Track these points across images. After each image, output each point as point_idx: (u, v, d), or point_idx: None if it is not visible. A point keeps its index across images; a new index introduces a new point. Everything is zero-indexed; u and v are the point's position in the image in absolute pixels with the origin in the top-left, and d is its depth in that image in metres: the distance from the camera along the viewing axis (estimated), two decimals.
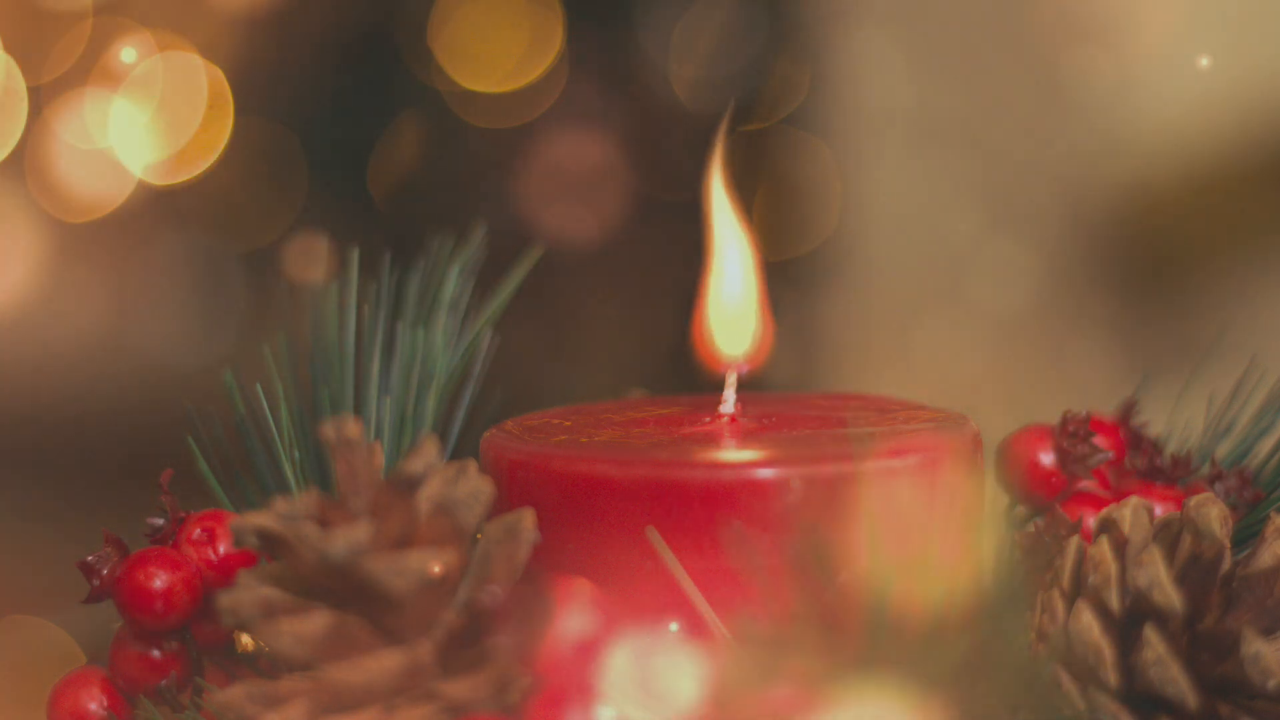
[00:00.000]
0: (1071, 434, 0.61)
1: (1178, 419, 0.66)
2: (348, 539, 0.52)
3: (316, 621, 0.52)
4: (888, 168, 1.51)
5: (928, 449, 0.57)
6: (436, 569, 0.52)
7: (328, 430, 0.54)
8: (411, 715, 0.52)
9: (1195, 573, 0.55)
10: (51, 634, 1.22)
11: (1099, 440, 0.62)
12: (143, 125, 1.40)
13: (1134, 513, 0.56)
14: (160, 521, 0.60)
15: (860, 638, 0.49)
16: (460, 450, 0.65)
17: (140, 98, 1.40)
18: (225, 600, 0.53)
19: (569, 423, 0.61)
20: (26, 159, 1.40)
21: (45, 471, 1.42)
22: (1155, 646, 0.53)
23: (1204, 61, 1.40)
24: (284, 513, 0.53)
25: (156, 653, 0.59)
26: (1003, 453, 0.63)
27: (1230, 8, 1.45)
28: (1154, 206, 1.47)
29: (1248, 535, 0.61)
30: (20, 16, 1.40)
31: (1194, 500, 0.56)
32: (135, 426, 1.36)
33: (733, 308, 0.63)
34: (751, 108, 1.46)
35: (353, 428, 0.54)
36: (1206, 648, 0.54)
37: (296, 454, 0.63)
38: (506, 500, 0.57)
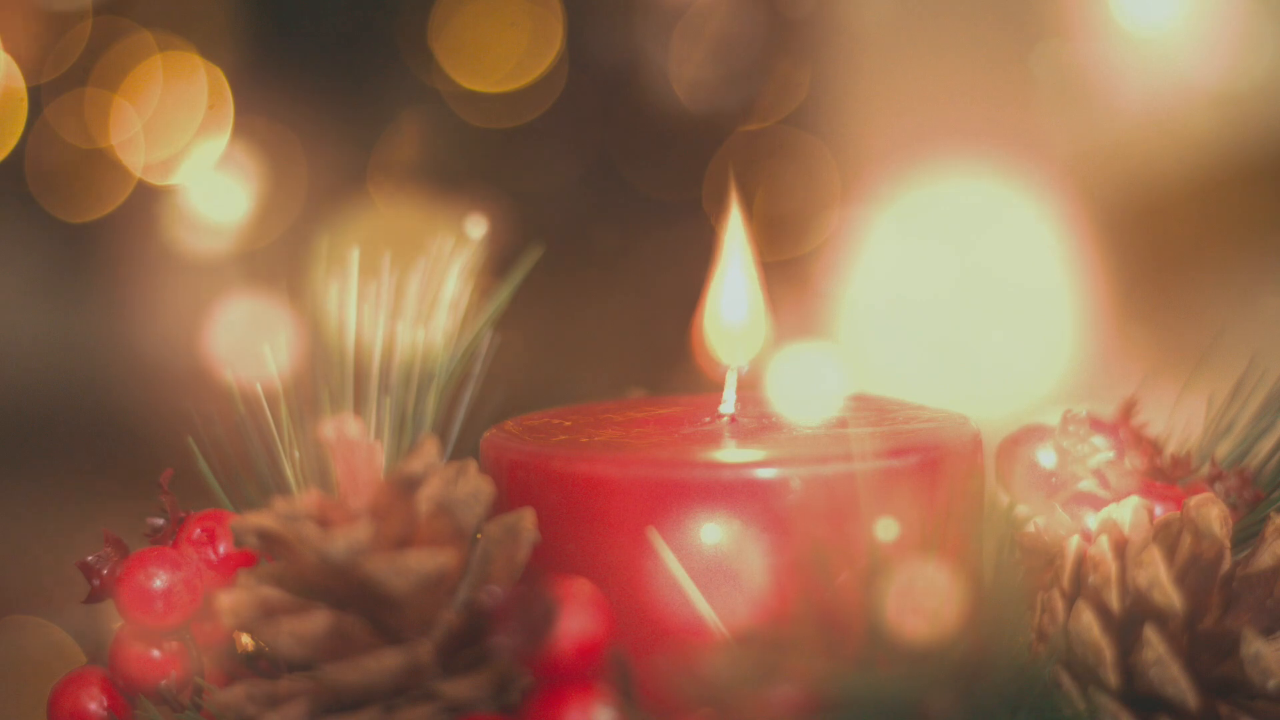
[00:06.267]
0: (1071, 434, 0.61)
1: (1178, 419, 0.66)
2: (348, 539, 0.52)
3: (316, 621, 0.52)
4: (888, 168, 1.51)
5: (928, 449, 0.57)
6: (430, 570, 0.52)
7: (328, 430, 0.54)
8: (411, 715, 0.52)
9: (1195, 573, 0.55)
10: (51, 634, 1.22)
11: (1099, 440, 0.62)
12: (143, 125, 1.40)
13: (1134, 513, 0.56)
14: (160, 521, 0.60)
15: (860, 638, 0.49)
16: (460, 450, 0.66)
17: (140, 98, 1.40)
18: (225, 600, 0.53)
19: (569, 423, 0.61)
20: (26, 159, 1.40)
21: (45, 471, 1.42)
22: (1155, 646, 0.53)
23: (1208, 56, 1.40)
24: (284, 513, 0.53)
25: (156, 653, 0.59)
26: (1003, 453, 0.63)
27: (1232, 9, 1.45)
28: (1154, 207, 1.47)
29: (1248, 535, 0.61)
30: (20, 16, 1.40)
31: (1194, 500, 0.56)
32: (135, 426, 1.36)
33: (737, 317, 0.63)
34: (751, 108, 1.46)
35: (353, 428, 0.54)
36: (1206, 648, 0.54)
37: (296, 454, 0.63)
38: (506, 500, 0.57)
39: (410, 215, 1.42)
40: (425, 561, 0.52)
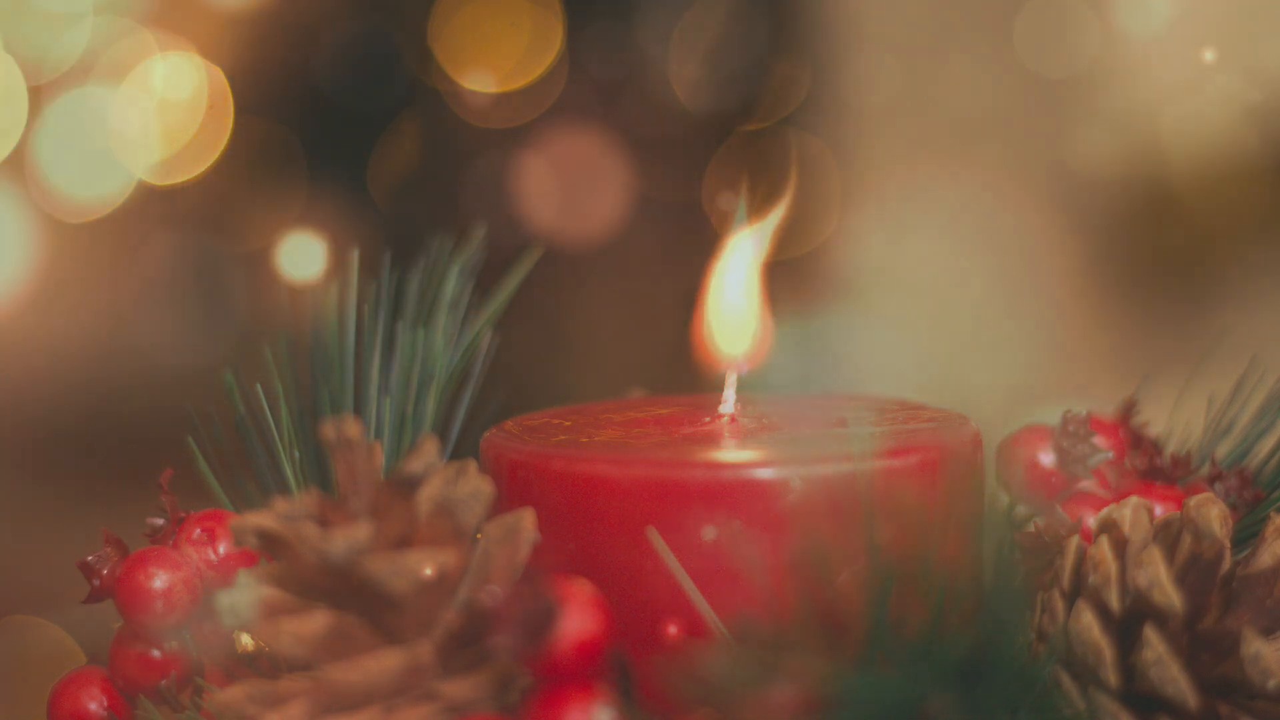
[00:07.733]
0: (1071, 434, 0.61)
1: (1178, 419, 0.66)
2: (348, 539, 0.52)
3: (316, 621, 0.52)
4: (888, 168, 1.51)
5: (928, 449, 0.57)
6: (430, 570, 0.52)
7: (328, 430, 0.54)
8: (411, 715, 0.52)
9: (1195, 573, 0.55)
10: (51, 634, 1.22)
11: (1099, 440, 0.62)
12: (142, 125, 1.40)
13: (1134, 513, 0.56)
14: (160, 521, 0.60)
15: (860, 638, 0.49)
16: (460, 450, 0.65)
17: (140, 98, 1.40)
18: (225, 600, 0.53)
19: (569, 423, 0.61)
20: (26, 159, 1.40)
21: (45, 471, 1.42)
22: (1155, 646, 0.53)
23: (1208, 56, 1.40)
24: (284, 513, 0.53)
25: (156, 653, 0.59)
26: (1003, 453, 0.63)
27: (1234, 8, 1.45)
28: (1155, 208, 1.47)
29: (1248, 535, 0.61)
30: (20, 16, 1.40)
31: (1194, 500, 0.56)
32: (135, 426, 1.36)
33: (733, 310, 0.63)
34: (751, 108, 1.46)
35: (353, 428, 0.54)
36: (1206, 648, 0.54)
37: (296, 454, 0.63)
38: (506, 500, 0.57)
39: (410, 215, 1.42)
40: (425, 561, 0.52)
